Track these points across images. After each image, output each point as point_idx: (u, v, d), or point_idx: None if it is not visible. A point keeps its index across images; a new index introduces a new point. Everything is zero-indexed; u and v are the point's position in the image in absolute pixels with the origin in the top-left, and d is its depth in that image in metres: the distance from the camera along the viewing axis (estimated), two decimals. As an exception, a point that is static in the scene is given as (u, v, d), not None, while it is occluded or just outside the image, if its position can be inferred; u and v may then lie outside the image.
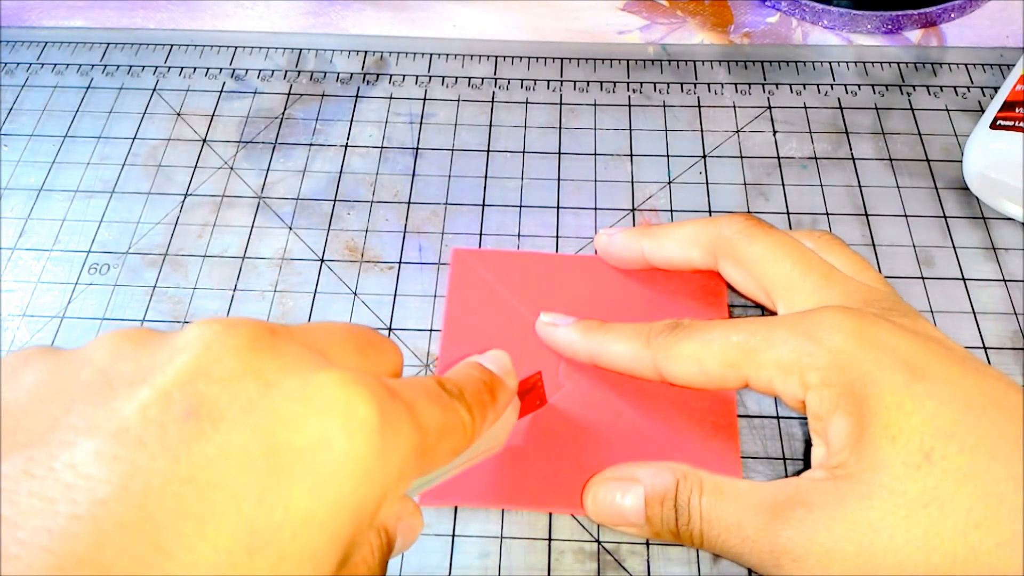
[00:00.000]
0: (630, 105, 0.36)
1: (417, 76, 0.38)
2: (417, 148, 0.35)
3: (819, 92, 0.36)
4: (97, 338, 0.15)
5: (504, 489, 0.25)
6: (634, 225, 0.32)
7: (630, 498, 0.23)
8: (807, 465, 0.23)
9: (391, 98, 0.37)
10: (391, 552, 0.17)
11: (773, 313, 0.25)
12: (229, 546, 0.12)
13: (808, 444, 0.26)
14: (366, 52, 0.39)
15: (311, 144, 0.35)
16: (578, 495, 0.25)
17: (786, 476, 0.26)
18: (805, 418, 0.22)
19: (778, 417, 0.27)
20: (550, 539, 0.25)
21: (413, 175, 0.34)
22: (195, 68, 0.38)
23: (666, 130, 0.35)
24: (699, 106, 0.36)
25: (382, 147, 0.35)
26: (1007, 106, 0.31)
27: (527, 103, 0.36)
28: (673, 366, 0.23)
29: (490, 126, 0.36)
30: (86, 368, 0.14)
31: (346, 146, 0.35)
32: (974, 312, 0.29)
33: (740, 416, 0.27)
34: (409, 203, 0.33)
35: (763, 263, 0.24)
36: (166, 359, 0.14)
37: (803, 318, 0.22)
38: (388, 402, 0.15)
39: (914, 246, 0.31)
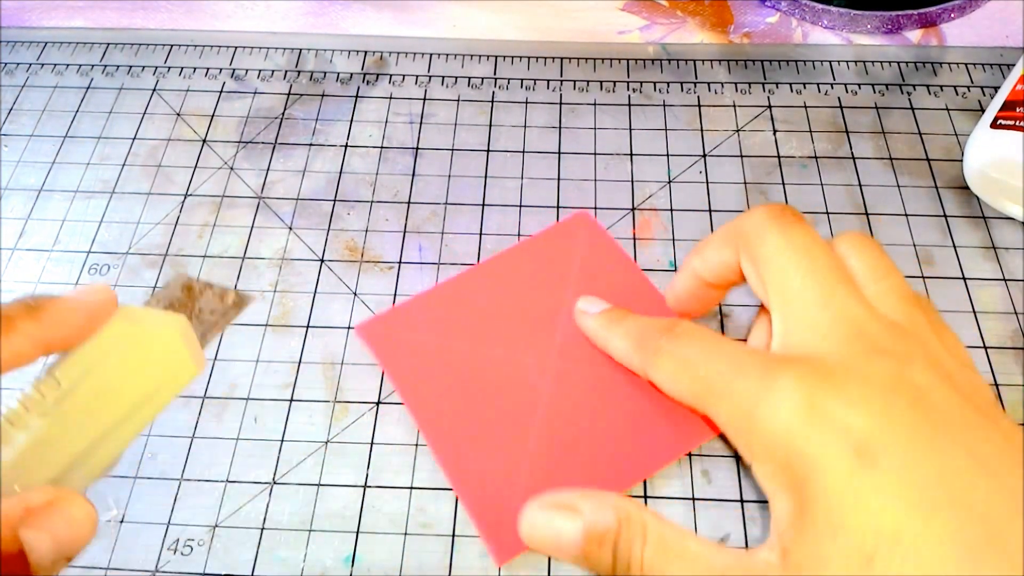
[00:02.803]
0: (630, 105, 0.36)
1: (417, 76, 0.38)
2: (417, 148, 0.35)
3: (819, 92, 0.36)
4: None
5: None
6: (634, 225, 0.32)
7: (568, 527, 0.21)
8: None
9: (391, 98, 0.37)
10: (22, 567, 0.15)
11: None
12: None
13: None
14: (366, 52, 0.39)
15: (311, 144, 0.35)
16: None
17: None
18: None
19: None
20: (550, 539, 0.25)
21: (413, 175, 0.34)
22: (195, 68, 0.38)
23: (666, 129, 0.35)
24: (699, 105, 0.36)
25: (382, 147, 0.35)
26: (1007, 106, 0.31)
27: (527, 103, 0.36)
28: (655, 376, 0.23)
29: (490, 126, 0.36)
30: None
31: (346, 146, 0.35)
32: (974, 312, 0.29)
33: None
34: (409, 203, 0.33)
35: (768, 266, 0.22)
36: None
37: (767, 370, 0.20)
38: None
39: (914, 245, 0.31)
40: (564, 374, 0.27)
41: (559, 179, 0.34)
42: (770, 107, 0.36)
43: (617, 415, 0.26)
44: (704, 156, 0.34)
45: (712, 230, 0.32)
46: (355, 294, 0.31)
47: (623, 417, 0.26)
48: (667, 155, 0.34)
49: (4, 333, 0.17)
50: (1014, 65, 0.34)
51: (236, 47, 0.39)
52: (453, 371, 0.27)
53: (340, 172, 0.34)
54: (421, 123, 0.36)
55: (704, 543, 0.20)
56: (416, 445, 0.27)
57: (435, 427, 0.26)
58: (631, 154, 0.34)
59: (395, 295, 0.30)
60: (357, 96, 0.37)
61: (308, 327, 0.30)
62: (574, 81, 0.37)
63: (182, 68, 0.38)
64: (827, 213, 0.32)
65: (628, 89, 0.37)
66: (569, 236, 0.31)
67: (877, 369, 0.19)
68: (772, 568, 0.18)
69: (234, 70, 0.38)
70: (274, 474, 0.26)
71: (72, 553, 0.15)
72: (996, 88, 0.36)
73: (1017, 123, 0.30)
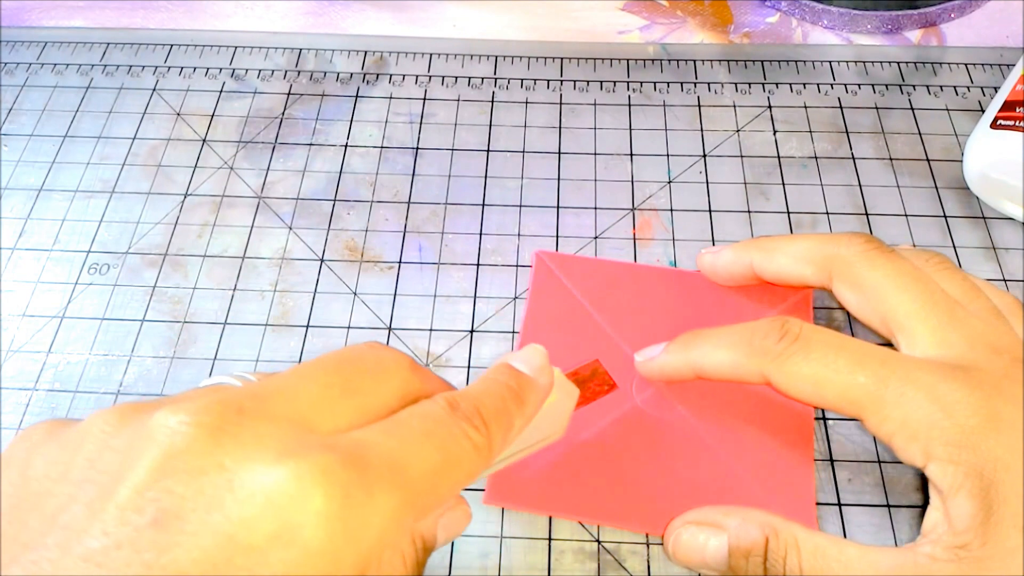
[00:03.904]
0: (630, 105, 0.36)
1: (417, 76, 0.38)
2: (417, 148, 0.35)
3: (819, 92, 0.36)
4: (90, 419, 0.16)
5: (567, 499, 0.25)
6: (634, 225, 0.32)
7: (713, 544, 0.22)
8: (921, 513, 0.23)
9: (391, 98, 0.37)
10: (430, 552, 0.17)
11: (888, 343, 0.24)
12: None
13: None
14: (366, 52, 0.39)
15: (311, 144, 0.35)
16: (639, 511, 0.25)
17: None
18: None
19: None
20: (550, 539, 0.25)
21: (413, 175, 0.34)
22: (195, 68, 0.38)
23: (666, 129, 0.35)
24: (699, 105, 0.36)
25: (382, 147, 0.35)
26: (1007, 106, 0.31)
27: (527, 103, 0.36)
28: (786, 382, 0.22)
29: (490, 126, 0.36)
30: (79, 457, 0.16)
31: (346, 146, 0.35)
32: (974, 312, 0.29)
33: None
34: (409, 203, 0.33)
35: (883, 291, 0.23)
36: (140, 451, 0.15)
37: (937, 380, 0.21)
38: (353, 480, 0.15)
39: (914, 246, 0.31)
40: (650, 405, 0.27)
41: (559, 179, 0.34)
42: (770, 107, 0.36)
43: (710, 445, 0.26)
44: (704, 156, 0.34)
45: (712, 230, 0.32)
46: (355, 294, 0.31)
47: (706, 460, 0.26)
48: (667, 155, 0.34)
49: (504, 434, 0.19)
50: (1014, 65, 0.34)
51: (236, 47, 0.39)
52: (578, 341, 0.28)
53: (340, 172, 0.34)
54: (421, 123, 0.36)
55: (861, 546, 0.21)
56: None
57: None
58: (631, 154, 0.34)
59: (395, 295, 0.30)
60: (357, 96, 0.37)
61: (308, 327, 0.30)
62: (574, 81, 0.37)
63: (182, 68, 0.38)
64: (827, 213, 0.32)
65: (628, 89, 0.37)
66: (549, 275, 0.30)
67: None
68: (943, 565, 0.19)
69: (234, 70, 0.38)
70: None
71: (451, 540, 0.18)
72: (996, 88, 0.36)
73: (1017, 123, 0.30)
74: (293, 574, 0.14)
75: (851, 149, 0.34)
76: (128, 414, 0.16)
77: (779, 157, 0.34)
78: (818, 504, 0.26)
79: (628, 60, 0.38)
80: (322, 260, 0.32)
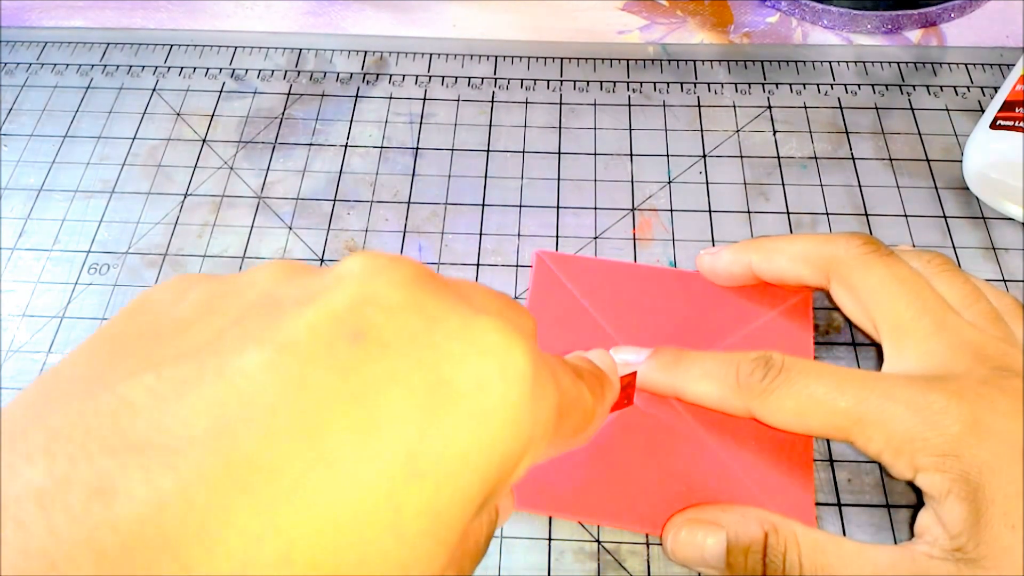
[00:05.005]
0: (630, 105, 0.36)
1: (417, 76, 0.38)
2: (417, 148, 0.35)
3: (819, 92, 0.36)
4: (257, 266, 0.15)
5: (567, 499, 0.25)
6: (634, 225, 0.32)
7: (712, 541, 0.22)
8: (914, 513, 0.23)
9: (391, 98, 0.37)
10: (494, 531, 0.17)
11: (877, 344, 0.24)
12: (390, 468, 0.12)
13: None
14: (366, 52, 0.39)
15: (311, 144, 0.35)
16: (638, 511, 0.25)
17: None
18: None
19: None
20: (550, 539, 0.25)
21: (413, 175, 0.34)
22: (195, 68, 0.38)
23: (666, 130, 0.35)
24: (699, 106, 0.36)
25: (382, 147, 0.35)
26: (1007, 106, 0.31)
27: (527, 103, 0.36)
28: (771, 417, 0.22)
29: (490, 126, 0.36)
30: (251, 289, 0.14)
31: (346, 146, 0.35)
32: (974, 312, 0.29)
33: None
34: (409, 203, 0.33)
35: (876, 297, 0.23)
36: (332, 284, 0.14)
37: (916, 393, 0.21)
38: (538, 356, 0.14)
39: (914, 246, 0.31)
40: (649, 409, 0.27)
41: (559, 179, 0.34)
42: (770, 107, 0.36)
43: (711, 448, 0.26)
44: (704, 156, 0.34)
45: (712, 231, 0.32)
46: (355, 294, 0.31)
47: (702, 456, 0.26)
48: (667, 155, 0.34)
49: (601, 406, 0.19)
50: (1014, 65, 0.34)
51: (236, 47, 0.39)
52: (579, 342, 0.28)
53: (340, 172, 0.34)
54: (421, 123, 0.36)
55: (858, 543, 0.21)
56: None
57: None
58: (631, 154, 0.34)
59: (395, 295, 0.30)
60: (357, 96, 0.37)
61: (308, 327, 0.30)
62: (574, 81, 0.37)
63: (182, 68, 0.38)
64: (827, 214, 0.32)
65: (628, 89, 0.37)
66: (550, 275, 0.30)
67: (1013, 383, 0.21)
68: (940, 563, 0.20)
69: (234, 70, 0.38)
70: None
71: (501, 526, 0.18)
72: (996, 88, 0.36)
73: (1017, 124, 0.30)
74: (483, 423, 0.13)
75: (851, 149, 0.34)
76: (306, 265, 0.15)
77: (779, 157, 0.34)
78: (817, 504, 0.26)
79: (628, 60, 0.38)
80: (322, 260, 0.32)
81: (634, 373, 0.25)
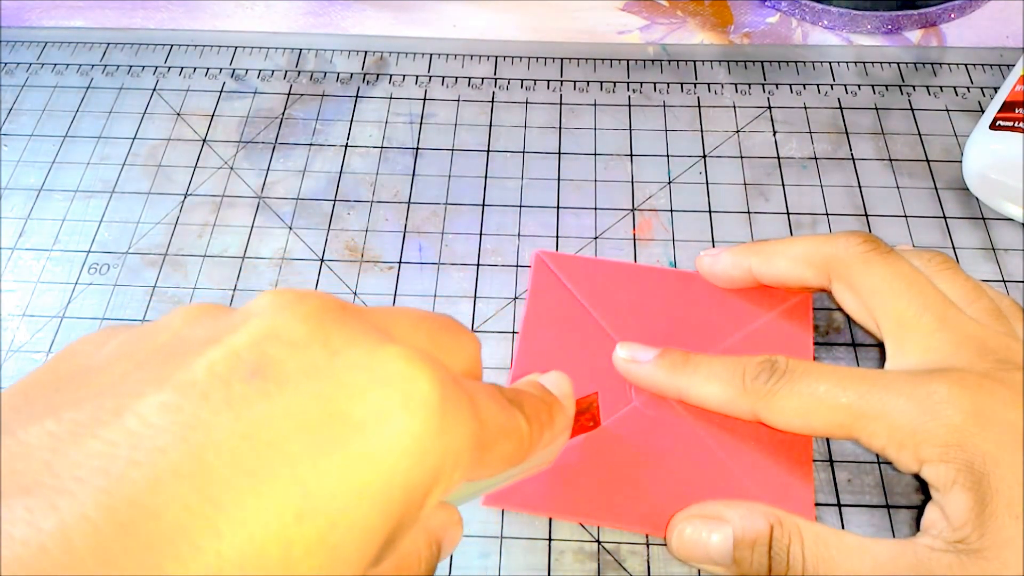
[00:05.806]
0: (630, 105, 0.36)
1: (417, 76, 0.38)
2: (417, 148, 0.35)
3: (819, 92, 0.36)
4: (174, 310, 0.15)
5: (566, 500, 0.25)
6: (634, 225, 0.32)
7: (717, 537, 0.22)
8: (919, 515, 0.23)
9: (391, 98, 0.37)
10: (437, 563, 0.17)
11: (880, 343, 0.24)
12: (280, 507, 0.12)
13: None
14: (366, 52, 0.39)
15: (311, 144, 0.35)
16: (638, 511, 0.25)
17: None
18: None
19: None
20: (550, 539, 0.25)
21: (413, 175, 0.34)
22: (195, 68, 0.38)
23: (666, 130, 0.35)
24: (699, 106, 0.36)
25: (382, 147, 0.35)
26: (1007, 106, 0.31)
27: (527, 103, 0.36)
28: (775, 418, 0.23)
29: (490, 126, 0.36)
30: (164, 333, 0.15)
31: (346, 146, 0.35)
32: (974, 312, 0.29)
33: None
34: (409, 203, 0.33)
35: (878, 295, 0.24)
36: (239, 322, 0.14)
37: (917, 385, 0.21)
38: (450, 385, 0.14)
39: (914, 247, 0.31)
40: (648, 408, 0.27)
41: (559, 179, 0.34)
42: (770, 108, 0.36)
43: (710, 447, 0.26)
44: (704, 157, 0.34)
45: (712, 231, 0.32)
46: (355, 294, 0.31)
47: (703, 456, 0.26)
48: (667, 156, 0.34)
49: (539, 435, 0.19)
50: (1014, 65, 0.34)
51: (236, 47, 0.39)
52: (578, 343, 0.28)
53: (340, 172, 0.34)
54: (421, 123, 0.36)
55: (860, 537, 0.21)
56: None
57: (525, 369, 0.27)
58: (631, 154, 0.34)
59: (395, 295, 0.30)
60: (357, 96, 0.37)
61: (308, 327, 0.30)
62: (574, 81, 0.37)
63: (182, 68, 0.38)
64: (827, 214, 0.32)
65: (628, 89, 0.37)
66: (549, 275, 0.30)
67: (1015, 376, 0.21)
68: (941, 556, 0.20)
69: (234, 70, 0.38)
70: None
71: (447, 556, 0.18)
72: (996, 89, 0.36)
73: (1017, 124, 0.30)
74: (382, 455, 0.13)
75: (851, 150, 0.34)
76: (224, 307, 0.15)
77: (779, 158, 0.34)
78: (817, 504, 0.26)
79: (628, 60, 0.38)
80: (322, 260, 0.32)
81: (595, 394, 0.24)
